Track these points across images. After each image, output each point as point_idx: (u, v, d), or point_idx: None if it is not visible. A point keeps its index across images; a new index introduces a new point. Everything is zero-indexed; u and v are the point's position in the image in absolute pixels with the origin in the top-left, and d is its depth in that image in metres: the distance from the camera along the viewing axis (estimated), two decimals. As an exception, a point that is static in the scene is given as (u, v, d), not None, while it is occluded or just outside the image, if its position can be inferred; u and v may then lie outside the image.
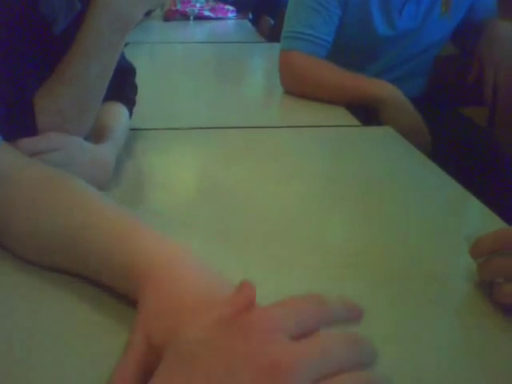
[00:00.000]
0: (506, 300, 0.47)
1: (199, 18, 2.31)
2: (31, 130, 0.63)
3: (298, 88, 1.16)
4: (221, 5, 2.46)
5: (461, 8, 1.23)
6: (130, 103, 0.83)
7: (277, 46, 1.27)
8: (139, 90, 0.88)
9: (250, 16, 2.53)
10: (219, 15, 2.37)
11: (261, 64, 1.71)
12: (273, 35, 2.12)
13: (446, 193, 0.72)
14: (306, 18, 1.18)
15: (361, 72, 1.18)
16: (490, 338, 0.45)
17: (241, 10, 2.47)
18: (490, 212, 0.65)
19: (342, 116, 1.04)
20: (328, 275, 0.52)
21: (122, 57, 0.78)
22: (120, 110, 0.80)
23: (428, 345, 0.43)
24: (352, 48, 1.23)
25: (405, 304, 0.48)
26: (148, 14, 1.49)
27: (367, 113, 1.07)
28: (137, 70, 0.89)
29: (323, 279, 0.51)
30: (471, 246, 0.50)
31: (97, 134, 0.71)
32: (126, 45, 0.77)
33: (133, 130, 0.86)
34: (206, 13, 2.34)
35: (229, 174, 0.76)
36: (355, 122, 1.01)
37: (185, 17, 2.29)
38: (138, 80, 0.88)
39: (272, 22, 2.56)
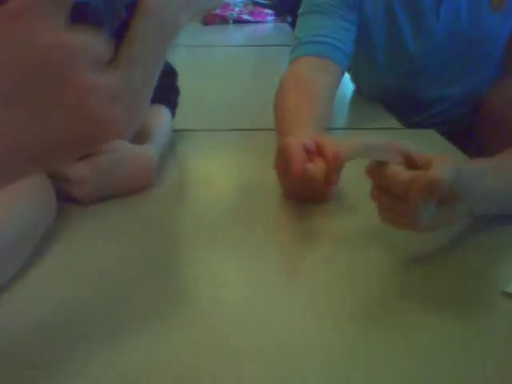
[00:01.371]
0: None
1: (238, 21, 2.32)
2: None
3: None
4: (259, 8, 2.46)
5: None
6: (172, 105, 0.85)
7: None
8: (181, 92, 0.89)
9: (289, 19, 2.52)
10: (258, 19, 2.38)
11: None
12: (312, 38, 2.11)
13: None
14: (310, 22, 1.07)
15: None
16: None
17: (279, 14, 2.47)
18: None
19: (383, 118, 1.03)
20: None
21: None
22: (162, 111, 0.81)
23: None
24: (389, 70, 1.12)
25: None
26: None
27: None
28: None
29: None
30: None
31: (140, 136, 0.73)
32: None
33: (175, 131, 0.87)
34: (245, 16, 2.35)
35: (268, 174, 0.76)
36: (398, 124, 0.99)
37: (224, 21, 2.30)
38: (179, 83, 0.89)
39: (311, 25, 2.54)
